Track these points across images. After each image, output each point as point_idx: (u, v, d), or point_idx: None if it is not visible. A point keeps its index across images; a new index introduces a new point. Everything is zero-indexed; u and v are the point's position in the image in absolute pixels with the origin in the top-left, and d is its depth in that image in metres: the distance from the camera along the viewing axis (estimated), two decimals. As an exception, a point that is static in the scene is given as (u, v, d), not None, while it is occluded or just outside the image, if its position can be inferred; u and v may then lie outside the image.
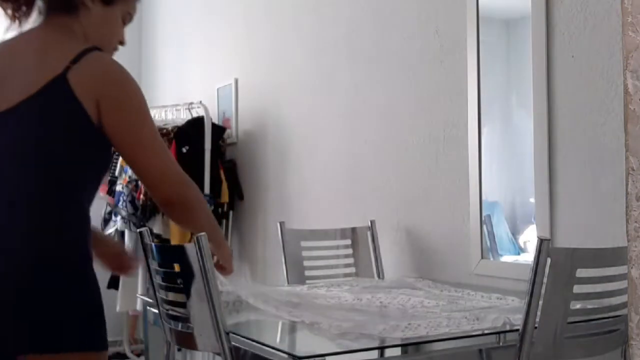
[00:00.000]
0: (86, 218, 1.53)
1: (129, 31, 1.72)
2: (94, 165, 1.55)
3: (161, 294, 1.79)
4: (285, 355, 1.44)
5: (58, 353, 1.42)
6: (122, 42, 1.71)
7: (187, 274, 1.65)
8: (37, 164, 1.46)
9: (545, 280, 1.53)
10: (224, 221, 3.95)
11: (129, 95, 1.55)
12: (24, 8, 1.60)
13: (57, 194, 1.47)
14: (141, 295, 3.73)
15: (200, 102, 3.95)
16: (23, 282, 1.42)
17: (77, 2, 1.59)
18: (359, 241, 2.78)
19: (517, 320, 1.67)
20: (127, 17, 1.70)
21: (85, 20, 1.60)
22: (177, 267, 1.70)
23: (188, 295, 1.67)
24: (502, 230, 2.51)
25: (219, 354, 1.61)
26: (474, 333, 1.65)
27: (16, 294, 1.41)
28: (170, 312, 1.77)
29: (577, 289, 1.56)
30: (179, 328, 1.75)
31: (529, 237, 2.43)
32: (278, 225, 2.68)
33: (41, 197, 1.46)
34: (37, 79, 1.47)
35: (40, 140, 1.47)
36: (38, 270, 1.43)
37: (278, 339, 1.77)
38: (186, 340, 1.75)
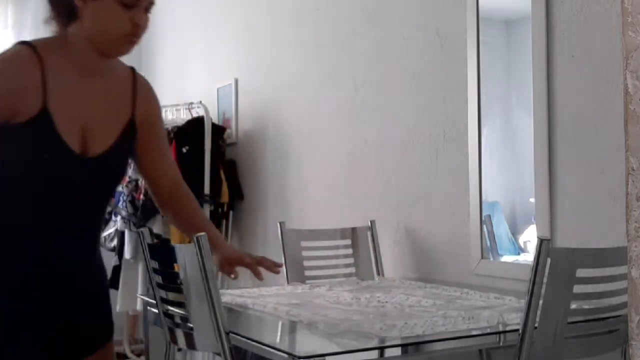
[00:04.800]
0: None
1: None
2: None
3: (161, 294, 1.79)
4: (285, 355, 1.44)
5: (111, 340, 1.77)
6: (137, 27, 1.64)
7: (187, 274, 1.65)
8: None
9: (545, 280, 1.53)
10: (224, 221, 3.96)
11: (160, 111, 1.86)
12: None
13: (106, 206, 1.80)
14: (141, 295, 3.73)
15: (200, 102, 3.96)
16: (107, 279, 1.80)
17: (76, 9, 1.64)
18: (359, 241, 2.78)
19: (512, 319, 1.67)
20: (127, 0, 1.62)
21: (85, 23, 1.63)
22: (177, 267, 1.70)
23: (188, 295, 1.67)
24: (502, 230, 2.51)
25: (219, 354, 1.61)
26: (474, 333, 1.65)
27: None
28: (170, 312, 1.77)
29: (577, 289, 1.56)
30: (179, 328, 1.75)
31: (529, 237, 2.43)
32: (278, 225, 2.68)
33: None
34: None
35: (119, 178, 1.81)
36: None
37: (278, 339, 1.77)
38: (186, 340, 1.75)
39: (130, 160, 1.82)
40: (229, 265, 1.80)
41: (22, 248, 1.61)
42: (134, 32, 1.64)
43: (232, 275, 1.80)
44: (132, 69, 1.80)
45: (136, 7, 1.63)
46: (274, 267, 1.85)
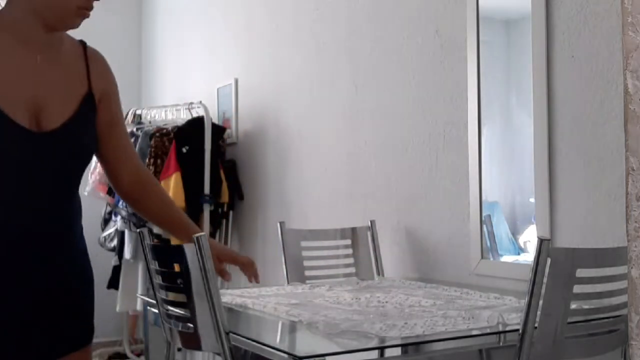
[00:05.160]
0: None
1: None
2: None
3: (161, 294, 1.79)
4: (285, 355, 1.44)
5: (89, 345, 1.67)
6: (86, 7, 1.55)
7: (187, 274, 1.65)
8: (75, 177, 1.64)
9: (545, 280, 1.53)
10: (224, 221, 3.96)
11: (117, 88, 1.74)
12: None
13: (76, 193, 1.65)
14: (141, 295, 3.73)
15: (200, 102, 3.96)
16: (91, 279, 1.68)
17: None
18: (359, 241, 2.78)
19: (512, 319, 1.67)
20: None
21: None
22: (177, 267, 1.70)
23: (188, 295, 1.67)
24: (502, 230, 2.51)
25: (219, 354, 1.61)
26: (474, 333, 1.65)
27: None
28: (170, 312, 1.77)
29: (577, 289, 1.56)
30: (179, 328, 1.75)
31: (529, 237, 2.43)
32: (278, 225, 2.69)
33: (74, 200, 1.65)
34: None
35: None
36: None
37: (278, 339, 1.77)
38: (186, 340, 1.75)
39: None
40: (219, 261, 1.75)
41: None
42: (87, 5, 1.55)
43: (227, 278, 1.76)
44: (83, 43, 1.68)
45: None
46: (254, 277, 1.82)
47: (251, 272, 1.82)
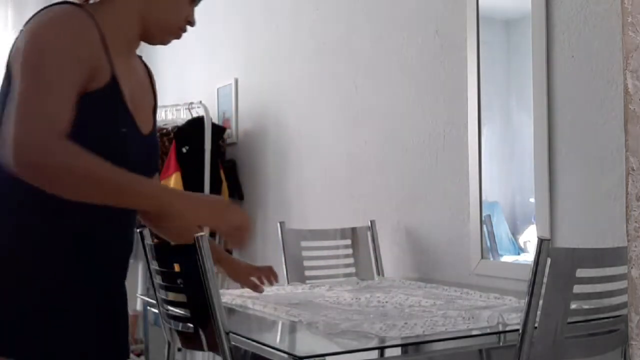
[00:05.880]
0: None
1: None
2: None
3: (161, 294, 1.79)
4: (285, 355, 1.44)
5: None
6: (190, 23, 1.60)
7: (187, 274, 1.65)
8: None
9: (545, 280, 1.53)
10: (224, 221, 3.95)
11: None
12: None
13: None
14: (141, 295, 3.73)
15: (200, 102, 3.96)
16: None
17: None
18: (359, 241, 2.78)
19: (512, 319, 1.67)
20: None
21: (147, 4, 1.53)
22: (177, 267, 1.70)
23: (188, 295, 1.67)
24: (502, 230, 2.51)
25: (219, 354, 1.61)
26: (474, 333, 1.65)
27: None
28: (171, 312, 1.77)
29: (577, 289, 1.56)
30: (179, 328, 1.75)
31: (529, 237, 2.43)
32: (278, 225, 2.69)
33: None
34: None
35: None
36: None
37: (278, 339, 1.77)
38: (186, 340, 1.75)
39: None
40: (247, 274, 2.00)
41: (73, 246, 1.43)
42: (185, 27, 1.60)
43: (260, 290, 2.00)
44: (139, 56, 1.70)
45: (195, 5, 1.60)
46: (274, 279, 2.06)
47: (274, 275, 2.07)
